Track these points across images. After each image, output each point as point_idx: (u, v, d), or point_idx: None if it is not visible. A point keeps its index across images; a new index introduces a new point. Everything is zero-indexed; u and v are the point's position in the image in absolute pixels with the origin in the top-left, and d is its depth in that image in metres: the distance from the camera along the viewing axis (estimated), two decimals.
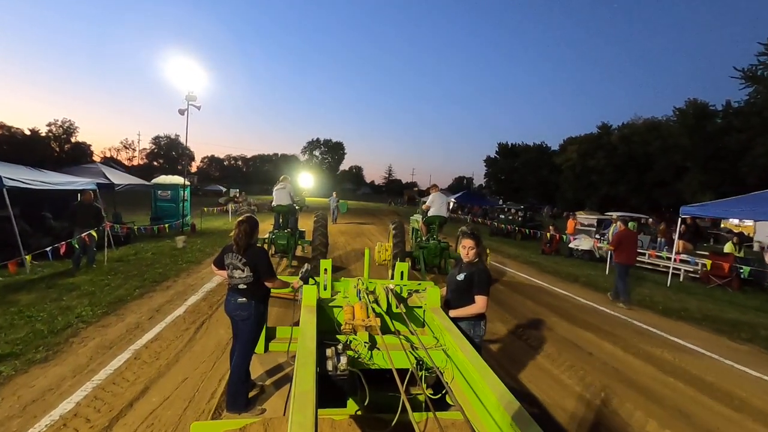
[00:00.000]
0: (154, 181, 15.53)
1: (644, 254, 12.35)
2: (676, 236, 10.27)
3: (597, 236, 13.63)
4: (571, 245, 14.11)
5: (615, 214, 13.24)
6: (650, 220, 15.86)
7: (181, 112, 14.91)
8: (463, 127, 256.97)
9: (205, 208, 17.19)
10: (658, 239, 12.83)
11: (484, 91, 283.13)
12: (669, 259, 10.74)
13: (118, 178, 11.58)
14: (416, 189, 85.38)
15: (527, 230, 15.96)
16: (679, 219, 10.14)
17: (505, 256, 13.89)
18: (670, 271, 10.12)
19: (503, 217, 21.78)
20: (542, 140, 77.35)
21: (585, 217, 14.60)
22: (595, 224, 13.60)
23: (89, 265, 8.24)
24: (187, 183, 16.22)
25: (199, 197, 45.45)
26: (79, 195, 8.58)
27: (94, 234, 8.13)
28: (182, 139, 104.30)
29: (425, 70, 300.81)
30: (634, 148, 45.68)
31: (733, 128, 34.46)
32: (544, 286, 9.28)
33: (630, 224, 14.33)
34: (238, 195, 31.45)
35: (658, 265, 12.16)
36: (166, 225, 11.66)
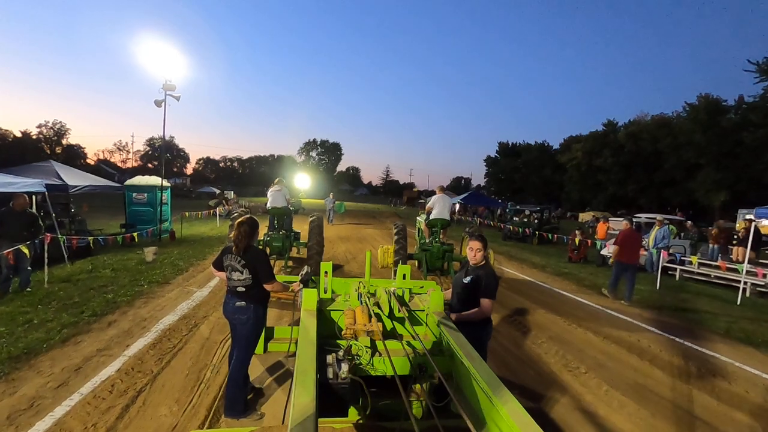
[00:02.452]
0: (129, 182, 13.67)
1: (687, 262, 10.63)
2: (748, 242, 8.51)
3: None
4: (603, 252, 12.35)
5: (659, 216, 11.47)
6: (689, 222, 14.13)
7: (158, 103, 13.04)
8: (461, 127, 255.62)
9: (186, 213, 15.25)
10: (710, 246, 11.09)
11: (484, 91, 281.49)
12: (727, 269, 9.04)
13: (76, 178, 9.75)
14: (416, 189, 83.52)
15: (549, 235, 14.21)
16: (752, 224, 8.41)
17: (530, 265, 12.13)
18: (741, 285, 8.38)
19: (517, 219, 20.02)
20: (543, 139, 75.70)
21: (621, 221, 12.82)
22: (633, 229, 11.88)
23: (22, 288, 6.43)
24: (167, 184, 14.37)
25: (192, 200, 43.66)
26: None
27: (25, 250, 6.32)
28: (177, 141, 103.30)
29: (424, 69, 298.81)
30: (642, 146, 44.04)
31: (750, 123, 32.85)
32: (598, 310, 7.51)
33: (670, 227, 12.71)
34: (228, 197, 29.51)
35: (709, 276, 10.45)
36: (135, 234, 9.80)
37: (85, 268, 8.22)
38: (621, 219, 13.81)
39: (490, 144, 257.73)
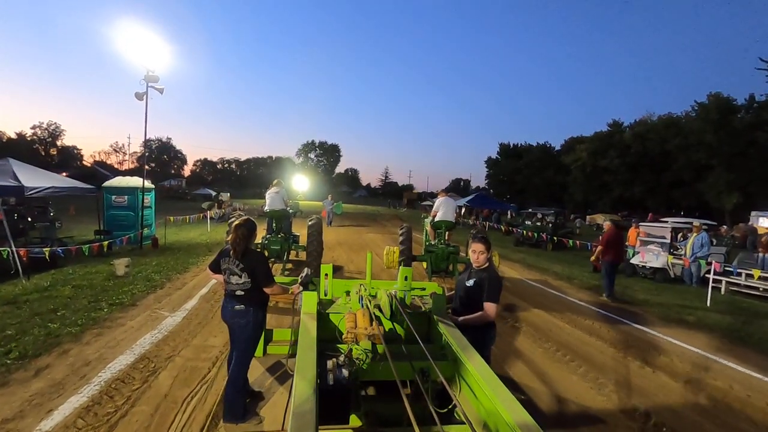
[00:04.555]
0: (107, 183, 12.38)
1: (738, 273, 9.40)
2: None
3: (670, 249, 10.61)
4: (634, 261, 11.11)
5: (696, 222, 10.25)
6: (723, 228, 12.88)
7: (139, 96, 11.77)
8: (460, 128, 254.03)
9: (171, 218, 13.90)
10: (759, 255, 9.86)
11: (482, 92, 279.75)
12: None
13: (36, 179, 8.44)
14: (416, 191, 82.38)
15: (571, 242, 12.96)
16: None
17: (552, 275, 10.88)
18: None
19: (529, 223, 18.80)
20: (542, 140, 74.14)
21: (655, 227, 11.55)
22: (669, 235, 10.59)
23: None
24: (150, 186, 13.09)
25: (187, 201, 42.28)
26: None
27: None
28: (174, 142, 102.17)
29: (422, 70, 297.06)
30: (649, 146, 42.90)
31: (764, 123, 31.74)
32: (657, 338, 6.26)
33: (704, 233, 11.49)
34: (223, 199, 28.21)
35: (757, 288, 9.21)
36: (105, 243, 8.52)
37: (41, 285, 6.94)
38: (654, 224, 12.61)
39: (489, 145, 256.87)
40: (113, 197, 12.13)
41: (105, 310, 5.81)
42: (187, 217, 15.11)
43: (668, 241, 10.60)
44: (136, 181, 12.35)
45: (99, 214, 11.10)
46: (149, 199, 12.91)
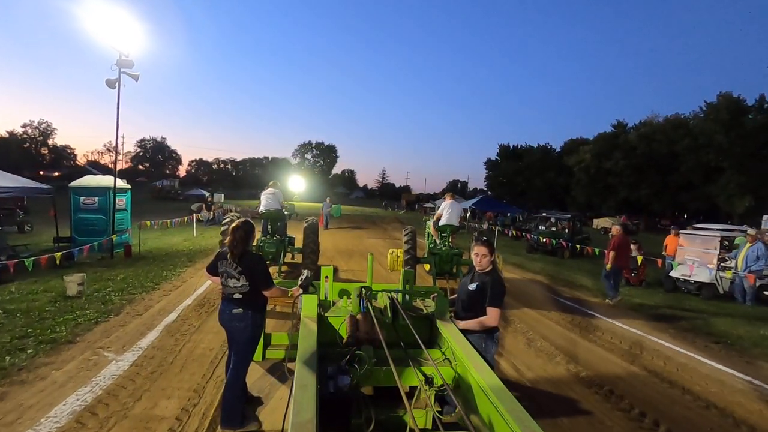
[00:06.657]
0: (75, 183, 10.88)
1: None
2: None
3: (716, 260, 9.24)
4: (674, 274, 9.73)
5: (751, 230, 8.88)
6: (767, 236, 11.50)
7: (111, 84, 10.30)
8: (458, 129, 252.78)
9: (148, 222, 12.29)
10: None
11: (480, 93, 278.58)
12: None
13: None
14: (414, 193, 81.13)
15: (596, 250, 11.58)
16: None
17: (582, 290, 9.51)
18: None
19: (543, 228, 17.44)
20: (539, 142, 73.12)
21: (700, 235, 10.10)
22: (718, 245, 9.19)
23: None
24: (125, 186, 11.61)
25: (180, 202, 40.65)
26: None
27: None
28: (169, 142, 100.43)
29: (420, 70, 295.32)
30: (656, 147, 41.71)
31: None
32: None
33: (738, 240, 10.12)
34: (210, 200, 26.65)
35: None
36: (58, 255, 7.02)
37: None
38: (693, 232, 11.23)
39: (487, 147, 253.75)
40: (81, 199, 10.63)
41: (29, 351, 4.35)
42: (168, 221, 13.56)
43: (717, 251, 9.23)
44: (108, 180, 10.86)
45: (57, 219, 9.58)
46: (124, 200, 11.44)
